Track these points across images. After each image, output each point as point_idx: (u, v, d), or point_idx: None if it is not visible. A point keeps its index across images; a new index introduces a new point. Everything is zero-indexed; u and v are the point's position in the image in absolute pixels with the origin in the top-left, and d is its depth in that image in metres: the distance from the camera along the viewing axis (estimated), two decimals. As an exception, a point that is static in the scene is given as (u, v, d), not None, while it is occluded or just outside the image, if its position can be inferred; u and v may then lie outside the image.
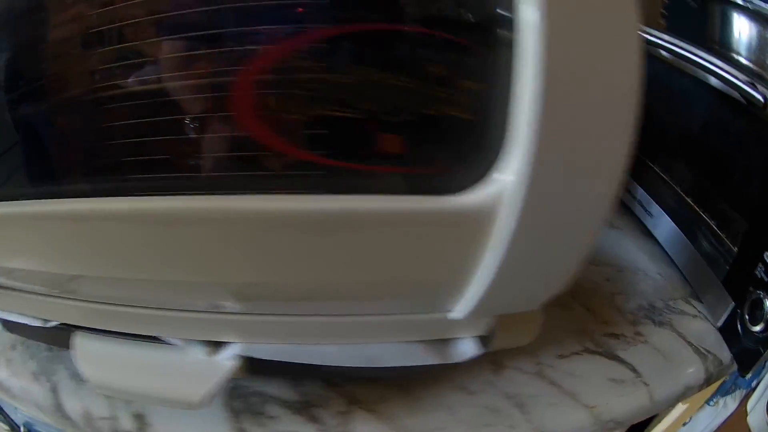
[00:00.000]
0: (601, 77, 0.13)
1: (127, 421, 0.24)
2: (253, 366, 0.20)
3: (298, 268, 0.17)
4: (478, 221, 0.15)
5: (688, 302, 0.30)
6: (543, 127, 0.13)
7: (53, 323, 0.24)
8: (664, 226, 0.34)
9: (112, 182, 0.17)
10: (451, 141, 0.15)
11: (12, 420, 0.51)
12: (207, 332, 0.20)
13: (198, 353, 0.20)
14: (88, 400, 0.25)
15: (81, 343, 0.23)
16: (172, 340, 0.21)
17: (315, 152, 0.14)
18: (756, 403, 0.40)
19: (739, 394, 0.43)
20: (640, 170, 0.37)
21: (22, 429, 0.51)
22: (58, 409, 0.26)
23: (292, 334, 0.19)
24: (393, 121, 0.14)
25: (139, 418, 0.24)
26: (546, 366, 0.24)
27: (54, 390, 0.26)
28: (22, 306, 0.24)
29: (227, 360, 0.19)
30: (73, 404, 0.26)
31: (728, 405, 0.43)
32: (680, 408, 0.38)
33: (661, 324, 0.27)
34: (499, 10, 0.13)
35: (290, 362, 0.20)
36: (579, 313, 0.28)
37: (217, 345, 0.20)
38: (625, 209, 0.38)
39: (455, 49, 0.14)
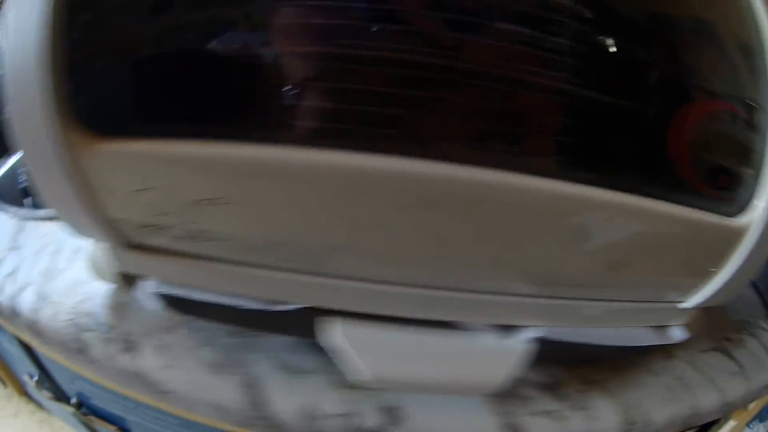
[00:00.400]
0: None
1: (373, 417, 0.24)
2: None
3: (595, 260, 0.22)
4: (738, 236, 0.22)
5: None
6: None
7: (291, 306, 0.22)
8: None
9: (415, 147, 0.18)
10: (739, 182, 0.21)
11: (62, 389, 0.48)
12: (503, 316, 0.22)
13: (489, 338, 0.22)
14: (313, 395, 0.24)
15: (345, 330, 0.22)
16: (463, 325, 0.22)
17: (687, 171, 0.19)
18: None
19: None
20: None
21: (73, 400, 0.48)
22: (255, 408, 0.24)
23: (572, 318, 0.24)
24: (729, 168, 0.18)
25: (389, 411, 0.24)
26: (696, 358, 0.32)
27: (250, 385, 0.24)
28: (244, 285, 0.23)
29: (521, 343, 0.22)
30: (284, 401, 0.24)
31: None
32: (729, 425, 0.46)
33: (753, 336, 0.37)
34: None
35: (570, 342, 0.22)
36: (710, 318, 0.35)
37: (507, 329, 0.22)
38: None
39: (747, 126, 0.19)
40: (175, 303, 0.24)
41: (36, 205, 0.42)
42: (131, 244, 0.21)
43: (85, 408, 0.49)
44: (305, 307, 0.22)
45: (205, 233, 0.19)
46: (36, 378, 0.50)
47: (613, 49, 0.18)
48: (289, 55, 0.16)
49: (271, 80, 0.17)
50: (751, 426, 0.48)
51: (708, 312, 0.30)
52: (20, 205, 0.42)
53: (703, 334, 0.34)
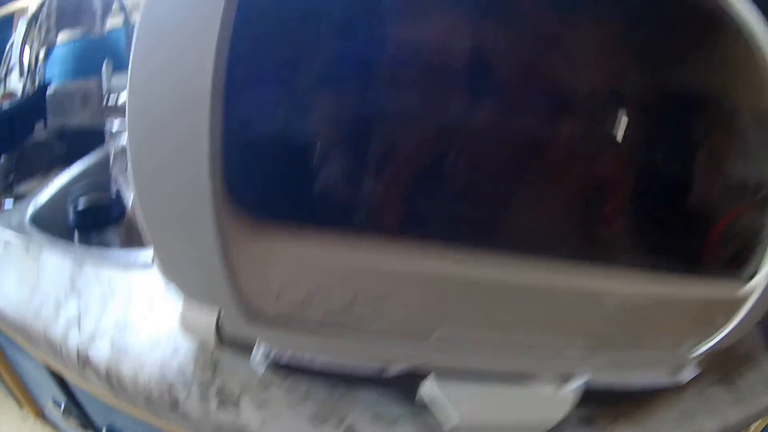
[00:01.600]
0: None
1: None
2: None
3: (639, 325, 0.28)
4: (745, 298, 0.28)
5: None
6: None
7: (397, 370, 0.27)
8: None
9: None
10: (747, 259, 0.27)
11: (92, 419, 0.49)
12: (560, 367, 0.29)
13: (549, 387, 0.29)
14: None
15: (443, 387, 0.27)
16: (528, 376, 0.28)
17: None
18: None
19: None
20: None
21: (104, 430, 0.49)
22: None
23: (609, 367, 0.30)
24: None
25: None
26: (702, 389, 0.38)
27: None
28: (359, 353, 0.26)
29: (572, 391, 0.27)
30: None
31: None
32: None
33: (753, 363, 0.43)
34: None
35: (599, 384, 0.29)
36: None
37: (563, 380, 0.29)
38: None
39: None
40: (283, 369, 0.26)
41: (87, 242, 0.43)
42: (254, 314, 0.23)
43: None
44: (407, 373, 0.26)
45: (348, 316, 0.21)
46: (63, 406, 0.50)
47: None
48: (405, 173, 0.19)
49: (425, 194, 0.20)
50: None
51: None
52: (69, 238, 0.43)
53: (709, 369, 0.39)
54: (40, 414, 0.61)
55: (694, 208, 0.27)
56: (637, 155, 0.27)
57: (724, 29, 0.26)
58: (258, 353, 0.26)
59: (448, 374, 0.27)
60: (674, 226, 0.28)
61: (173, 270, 0.22)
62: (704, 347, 0.31)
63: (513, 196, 0.25)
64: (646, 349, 0.30)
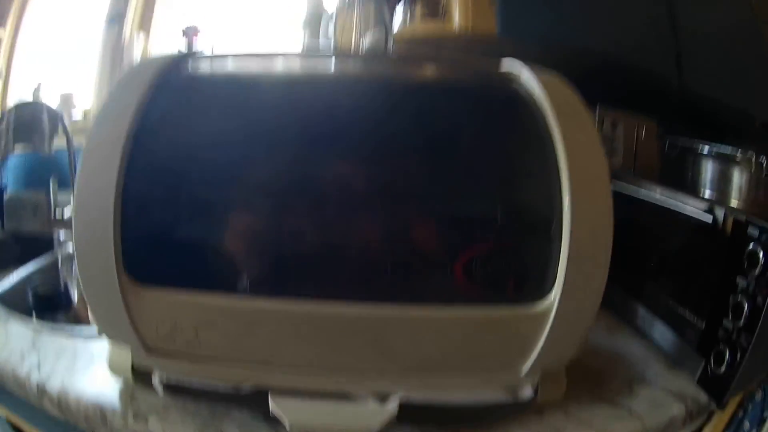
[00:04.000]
0: (594, 256, 0.48)
1: None
2: (405, 410, 0.51)
3: (446, 349, 0.50)
4: (543, 316, 0.49)
5: (670, 371, 0.66)
6: (567, 274, 0.48)
7: (247, 388, 0.52)
8: (654, 325, 0.72)
9: (330, 290, 0.49)
10: (534, 284, 0.49)
11: None
12: (378, 387, 0.51)
13: (372, 402, 0.51)
14: None
15: (281, 401, 0.51)
16: (356, 394, 0.51)
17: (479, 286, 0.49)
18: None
19: None
20: (636, 289, 0.75)
21: None
22: None
23: (429, 386, 0.52)
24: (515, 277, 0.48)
25: None
26: (571, 411, 0.59)
27: None
28: (219, 375, 0.52)
29: (392, 405, 0.51)
30: None
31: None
32: None
33: (650, 385, 0.63)
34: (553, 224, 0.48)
35: (428, 404, 0.51)
36: (590, 382, 0.63)
37: (384, 397, 0.52)
38: (625, 320, 0.77)
39: (535, 247, 0.49)
40: (172, 390, 0.54)
41: (43, 319, 0.74)
42: (149, 348, 0.51)
43: None
44: (257, 391, 0.52)
45: (199, 342, 0.49)
46: None
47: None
48: (238, 246, 0.47)
49: (230, 260, 0.48)
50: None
51: (581, 376, 0.57)
52: (29, 315, 0.74)
53: (582, 392, 0.61)
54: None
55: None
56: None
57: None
58: (155, 378, 0.54)
59: (283, 392, 0.52)
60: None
61: (100, 322, 0.51)
62: (529, 364, 0.52)
63: (332, 254, 0.51)
64: (470, 370, 0.52)
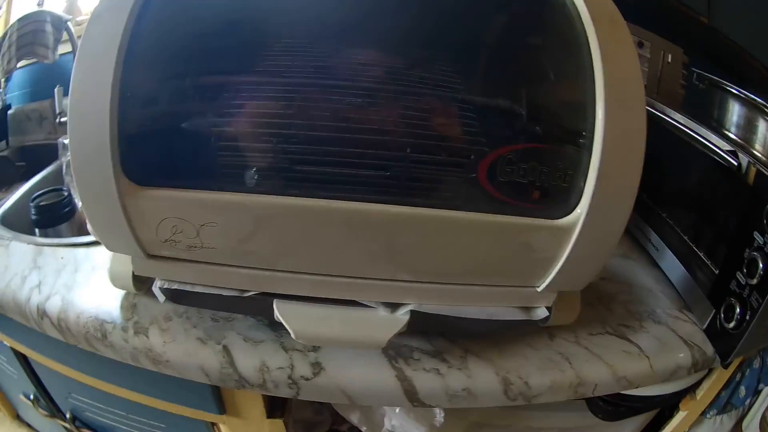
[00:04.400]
0: (624, 172, 0.45)
1: (304, 369, 0.51)
2: (415, 320, 0.49)
3: (461, 257, 0.47)
4: (565, 232, 0.47)
5: (681, 312, 0.63)
6: (595, 189, 0.45)
7: (251, 293, 0.50)
8: (667, 257, 0.70)
9: (341, 188, 0.45)
10: (560, 196, 0.46)
11: (57, 405, 0.76)
12: (389, 296, 0.49)
13: (382, 311, 0.49)
14: (265, 356, 0.51)
15: (286, 307, 0.49)
16: (365, 302, 0.49)
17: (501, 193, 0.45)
18: (750, 422, 0.71)
19: (735, 414, 0.74)
20: (650, 215, 0.74)
21: (68, 415, 0.76)
22: (230, 365, 0.51)
23: (442, 297, 0.50)
24: (540, 186, 0.44)
25: (316, 365, 0.51)
26: (581, 338, 0.56)
27: (226, 350, 0.52)
28: (223, 280, 0.50)
29: (403, 315, 0.48)
30: (247, 360, 0.51)
31: (725, 423, 0.74)
32: (680, 416, 0.70)
33: (659, 323, 0.61)
34: (584, 133, 0.44)
35: (440, 315, 0.49)
36: (602, 311, 0.62)
37: (395, 306, 0.50)
38: (639, 246, 0.75)
39: (564, 155, 0.45)
40: (174, 297, 0.52)
41: (46, 235, 0.71)
42: (150, 255, 0.48)
43: (79, 422, 0.77)
44: (262, 295, 0.50)
45: (201, 244, 0.46)
46: (32, 396, 0.77)
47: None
48: (238, 140, 0.44)
49: (231, 155, 0.44)
50: (708, 415, 0.71)
51: (595, 301, 0.56)
52: (32, 234, 0.72)
53: (593, 321, 0.59)
54: (16, 416, 0.90)
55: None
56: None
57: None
58: (156, 285, 0.52)
59: (288, 298, 0.50)
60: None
61: (99, 231, 0.48)
62: (546, 281, 0.49)
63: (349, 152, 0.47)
64: (481, 280, 0.50)
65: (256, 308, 0.51)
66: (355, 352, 0.52)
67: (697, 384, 0.68)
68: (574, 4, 0.48)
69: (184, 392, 0.62)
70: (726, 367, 0.61)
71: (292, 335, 0.47)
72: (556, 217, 0.46)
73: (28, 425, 0.91)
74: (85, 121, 0.43)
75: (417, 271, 0.49)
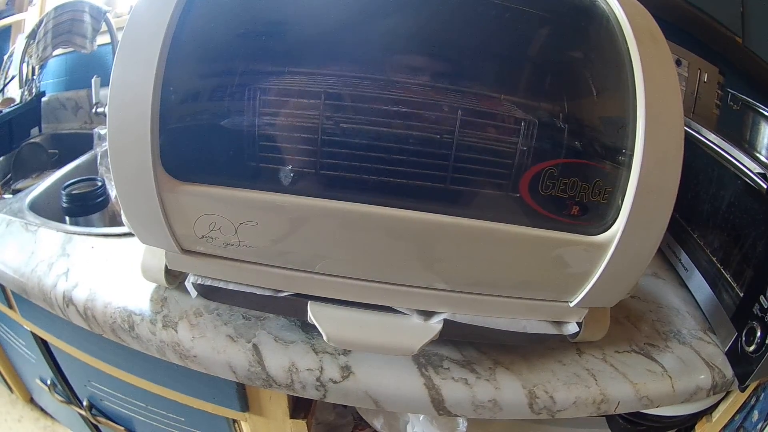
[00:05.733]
0: (661, 191, 0.45)
1: (333, 372, 0.51)
2: (447, 329, 0.49)
3: (497, 268, 0.47)
4: (602, 249, 0.46)
5: (705, 333, 0.63)
6: (633, 207, 0.45)
7: (285, 294, 0.50)
8: (695, 278, 0.69)
9: (382, 194, 0.45)
10: (598, 213, 0.45)
11: (75, 392, 0.77)
12: (424, 304, 0.49)
13: (416, 319, 0.49)
14: (295, 357, 0.51)
15: (319, 309, 0.49)
16: (399, 309, 0.49)
17: (541, 206, 0.45)
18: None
19: None
20: (682, 236, 0.72)
21: (85, 403, 0.76)
22: (259, 363, 0.51)
23: (476, 308, 0.50)
24: (579, 201, 0.44)
25: (346, 368, 0.51)
26: (608, 355, 0.56)
27: (255, 349, 0.52)
28: (257, 279, 0.50)
29: (436, 324, 0.48)
30: (276, 360, 0.51)
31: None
32: None
33: (684, 344, 0.61)
34: (625, 150, 0.44)
35: (472, 325, 0.49)
36: (629, 329, 0.61)
37: (428, 314, 0.49)
38: (669, 265, 0.75)
39: (604, 172, 0.45)
40: (207, 293, 0.52)
41: (76, 224, 0.72)
42: (184, 250, 0.48)
43: (95, 410, 0.77)
44: (296, 296, 0.50)
45: (238, 242, 0.46)
46: (49, 382, 0.78)
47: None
48: (284, 141, 0.44)
49: (276, 155, 0.44)
50: (723, 438, 0.70)
51: (624, 318, 0.56)
52: (60, 221, 0.72)
53: (620, 338, 0.59)
54: (30, 400, 0.91)
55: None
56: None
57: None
58: (189, 280, 0.52)
59: (322, 301, 0.50)
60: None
61: (134, 224, 0.48)
62: (579, 296, 0.49)
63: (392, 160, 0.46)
64: (515, 293, 0.50)
65: (290, 309, 0.51)
66: (385, 358, 0.52)
67: (714, 406, 0.68)
68: (617, 20, 0.48)
69: (207, 388, 0.62)
70: (743, 390, 0.61)
71: (325, 338, 0.47)
72: (593, 234, 0.46)
73: (42, 409, 0.91)
74: (126, 113, 0.43)
75: (453, 281, 0.49)
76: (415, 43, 0.46)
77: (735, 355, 0.59)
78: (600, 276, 0.47)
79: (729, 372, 0.58)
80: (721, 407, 0.67)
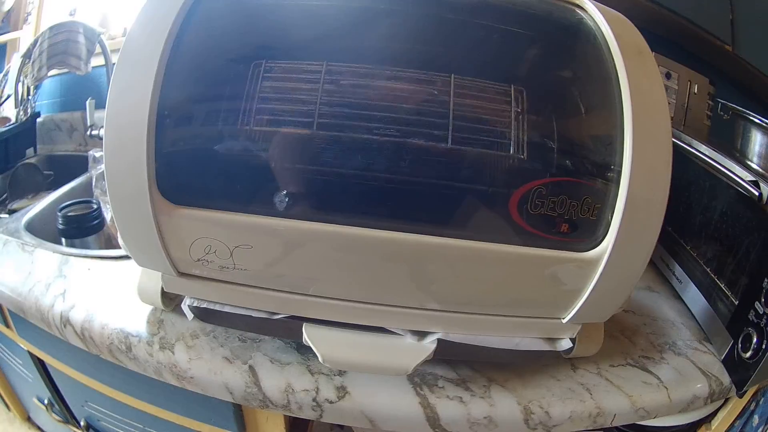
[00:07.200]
0: (650, 205, 0.46)
1: (329, 392, 0.51)
2: (441, 348, 0.50)
3: (489, 288, 0.48)
4: (592, 265, 0.47)
5: (701, 343, 0.64)
6: (622, 223, 0.45)
7: (280, 316, 0.51)
8: (689, 290, 0.70)
9: (374, 217, 0.46)
10: (587, 229, 0.46)
11: (72, 412, 0.77)
12: (417, 324, 0.50)
13: (410, 339, 0.50)
14: (291, 378, 0.52)
15: (315, 331, 0.50)
16: (393, 329, 0.50)
17: (531, 225, 0.45)
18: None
19: None
20: (675, 248, 0.73)
21: (82, 423, 0.76)
22: (255, 385, 0.51)
23: (469, 327, 0.50)
24: (568, 219, 0.45)
25: (341, 389, 0.52)
26: (603, 369, 0.56)
27: (252, 370, 0.52)
28: (253, 301, 0.51)
29: (430, 343, 0.49)
30: (273, 381, 0.52)
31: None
32: None
33: (679, 354, 0.61)
34: (613, 166, 0.45)
35: (466, 344, 0.50)
36: (624, 342, 0.62)
37: (422, 334, 0.50)
38: (663, 279, 0.76)
39: (592, 189, 0.46)
40: (203, 315, 0.52)
41: (72, 246, 0.72)
42: (180, 273, 0.49)
43: (93, 430, 0.77)
44: (291, 318, 0.50)
45: (234, 265, 0.47)
46: (46, 401, 0.78)
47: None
48: (278, 165, 0.45)
49: (270, 179, 0.45)
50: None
51: (618, 333, 0.56)
52: (56, 242, 0.72)
53: (615, 352, 0.59)
54: (27, 418, 0.91)
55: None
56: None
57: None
58: (185, 302, 0.52)
59: (317, 323, 0.50)
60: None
61: (130, 246, 0.49)
62: (572, 313, 0.50)
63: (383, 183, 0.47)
64: (507, 311, 0.50)
65: (285, 331, 0.52)
66: (380, 378, 0.52)
67: (713, 414, 0.68)
68: (603, 36, 0.49)
69: (204, 409, 0.62)
70: (741, 396, 0.61)
71: (320, 359, 0.48)
72: (584, 250, 0.47)
73: (39, 428, 0.91)
74: (122, 136, 0.44)
75: (445, 301, 0.49)
76: (405, 65, 0.46)
77: (731, 363, 0.59)
78: (591, 291, 0.48)
79: (726, 379, 0.59)
80: (720, 415, 0.68)
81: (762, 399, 0.71)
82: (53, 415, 0.80)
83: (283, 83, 0.47)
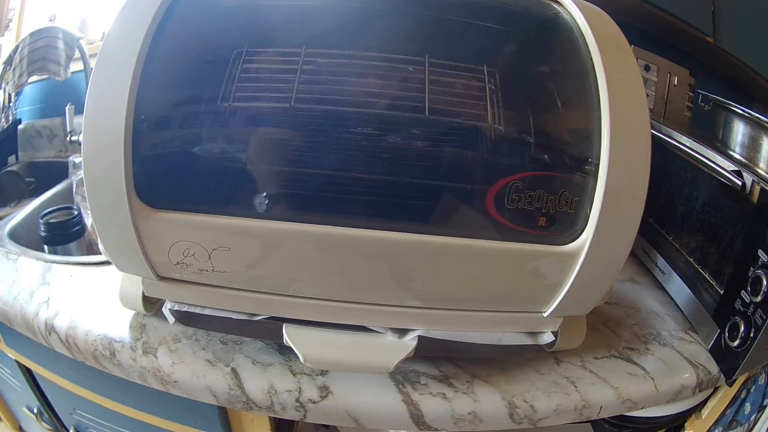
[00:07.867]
0: (629, 198, 0.46)
1: (312, 392, 0.51)
2: (422, 345, 0.50)
3: (469, 283, 0.48)
4: (572, 258, 0.47)
5: (687, 333, 0.64)
6: (601, 215, 0.45)
7: (260, 317, 0.51)
8: (673, 280, 0.71)
9: (352, 216, 0.46)
10: (566, 223, 0.46)
11: (61, 420, 0.77)
12: (398, 322, 0.50)
13: (390, 336, 0.50)
14: (273, 379, 0.52)
15: (295, 332, 0.50)
16: (374, 328, 0.50)
17: (508, 220, 0.45)
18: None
19: (740, 430, 0.74)
20: (657, 240, 0.73)
21: (71, 430, 0.76)
22: (238, 387, 0.52)
23: (450, 323, 0.50)
24: (546, 213, 0.45)
25: (324, 388, 0.52)
26: (587, 362, 0.56)
27: (234, 373, 0.52)
28: (233, 303, 0.51)
29: (410, 341, 0.49)
30: (255, 383, 0.52)
31: (730, 440, 0.75)
32: None
33: (665, 345, 0.62)
34: (590, 160, 0.45)
35: (447, 340, 0.50)
36: (607, 335, 0.62)
37: (403, 331, 0.50)
38: (645, 270, 0.76)
39: (570, 182, 0.46)
40: (184, 319, 0.52)
41: (54, 253, 0.72)
42: (160, 276, 0.49)
43: None
44: (272, 319, 0.50)
45: (212, 267, 0.47)
46: (36, 410, 0.78)
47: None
48: (253, 166, 0.45)
49: (246, 180, 0.45)
50: (714, 432, 0.71)
51: (601, 325, 0.57)
52: (40, 249, 0.72)
53: (599, 345, 0.59)
54: (18, 428, 0.90)
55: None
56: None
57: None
58: (166, 306, 0.52)
59: (297, 323, 0.50)
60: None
61: (110, 252, 0.49)
62: (552, 306, 0.50)
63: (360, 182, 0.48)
64: (487, 306, 0.51)
65: (266, 332, 0.52)
66: (362, 377, 0.52)
67: (703, 403, 0.69)
68: (580, 30, 0.49)
69: (190, 413, 0.62)
70: (731, 385, 0.62)
71: (301, 359, 0.48)
72: (563, 243, 0.47)
73: (31, 438, 0.91)
74: (100, 141, 0.44)
75: (425, 298, 0.49)
76: (382, 60, 0.46)
77: (719, 352, 0.60)
78: (572, 284, 0.48)
79: (714, 368, 0.59)
80: (710, 404, 0.69)
81: (753, 387, 0.71)
82: (43, 423, 0.80)
83: (258, 83, 0.47)
